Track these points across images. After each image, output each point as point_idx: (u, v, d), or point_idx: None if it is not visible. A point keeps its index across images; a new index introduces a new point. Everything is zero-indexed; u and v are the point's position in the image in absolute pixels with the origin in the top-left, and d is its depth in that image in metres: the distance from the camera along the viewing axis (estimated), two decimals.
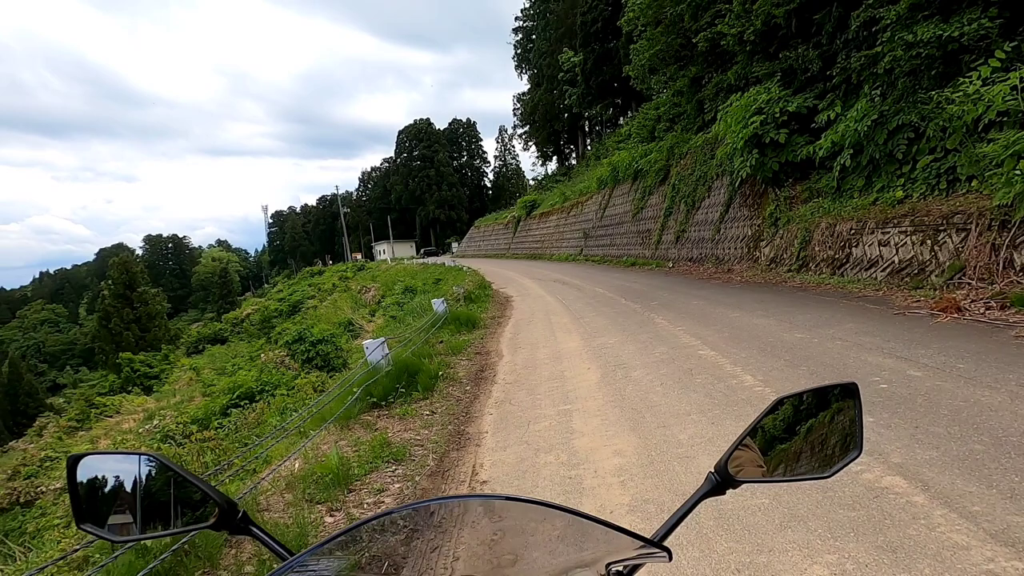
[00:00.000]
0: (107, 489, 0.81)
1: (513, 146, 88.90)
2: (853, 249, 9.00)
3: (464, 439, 4.28)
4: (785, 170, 12.21)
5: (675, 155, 19.51)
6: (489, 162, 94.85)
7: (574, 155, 59.97)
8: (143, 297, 54.89)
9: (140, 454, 0.83)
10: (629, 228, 22.84)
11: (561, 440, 3.91)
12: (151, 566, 2.25)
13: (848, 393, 0.86)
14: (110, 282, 54.94)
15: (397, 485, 3.48)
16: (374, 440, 4.13)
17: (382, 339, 5.99)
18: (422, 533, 0.69)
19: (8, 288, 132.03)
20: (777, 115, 11.95)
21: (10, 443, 34.54)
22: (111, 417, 36.48)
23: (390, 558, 0.72)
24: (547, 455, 3.67)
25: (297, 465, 3.95)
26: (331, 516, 3.10)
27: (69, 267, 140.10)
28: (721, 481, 0.79)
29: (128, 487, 0.80)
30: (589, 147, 52.68)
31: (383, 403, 5.16)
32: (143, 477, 0.81)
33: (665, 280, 13.92)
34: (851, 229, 9.12)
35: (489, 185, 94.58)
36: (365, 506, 3.20)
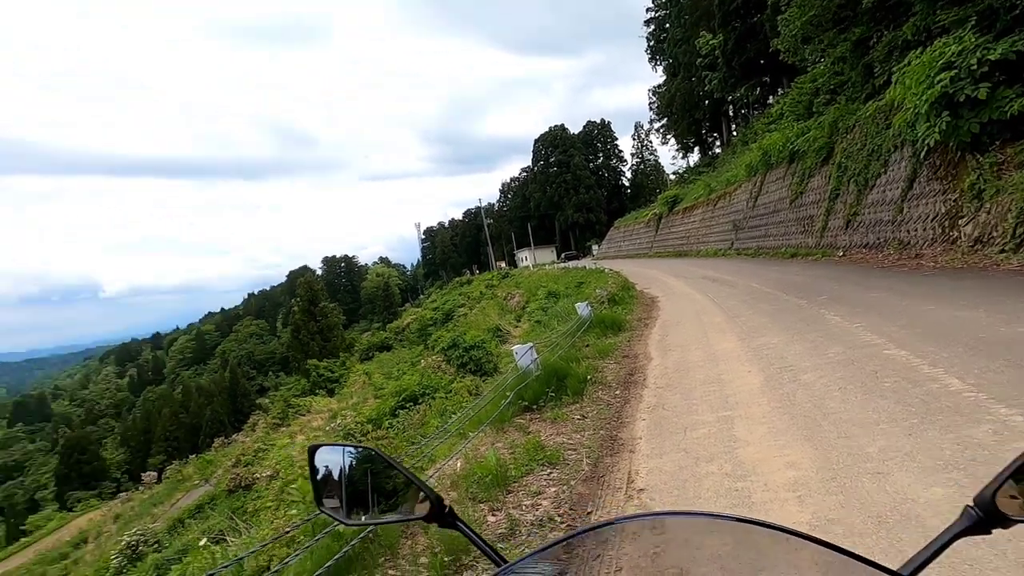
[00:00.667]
0: (339, 477, 0.91)
1: (650, 142, 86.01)
2: None
3: (617, 444, 4.21)
4: (988, 131, 10.16)
5: (839, 130, 17.33)
6: (626, 160, 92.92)
7: (718, 143, 56.21)
8: (324, 311, 62.86)
9: (366, 448, 0.93)
10: (787, 216, 20.77)
11: (723, 449, 3.65)
12: (344, 550, 2.54)
13: None
14: (298, 299, 63.94)
15: (553, 488, 3.53)
16: (528, 443, 4.24)
17: (530, 344, 6.15)
18: (628, 550, 0.66)
19: (228, 308, 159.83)
20: (974, 67, 10.01)
21: (233, 436, 41.73)
22: (303, 415, 42.25)
23: (598, 571, 0.73)
24: (708, 464, 3.46)
25: (459, 465, 4.20)
26: (493, 515, 3.24)
27: (268, 288, 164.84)
28: (984, 518, 0.61)
29: (356, 476, 0.90)
30: (735, 133, 49.00)
31: (534, 407, 5.29)
32: (368, 468, 0.91)
33: (834, 271, 12.37)
34: None
35: (627, 184, 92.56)
36: (523, 507, 3.29)
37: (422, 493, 0.84)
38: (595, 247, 69.76)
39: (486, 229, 75.72)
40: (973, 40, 10.31)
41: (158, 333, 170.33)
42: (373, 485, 0.89)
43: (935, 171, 11.64)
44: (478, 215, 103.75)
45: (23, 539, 47.51)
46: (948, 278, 8.30)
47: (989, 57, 9.87)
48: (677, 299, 13.25)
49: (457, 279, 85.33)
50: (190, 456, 41.93)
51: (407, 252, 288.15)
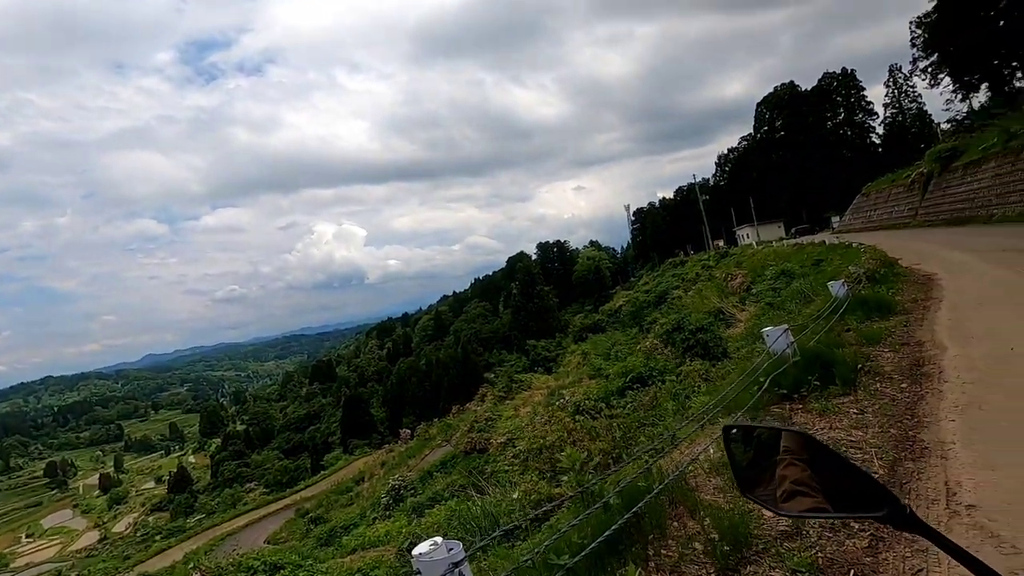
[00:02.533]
0: (761, 460, 0.85)
1: (912, 87, 70.33)
2: None
3: (919, 448, 3.48)
4: None
5: None
6: (876, 114, 77.46)
7: (1020, 76, 43.26)
8: (540, 294, 66.69)
9: (797, 432, 0.84)
10: None
11: None
12: (617, 523, 2.56)
13: None
14: (517, 283, 68.91)
15: None
16: None
17: (784, 326, 5.49)
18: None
19: (458, 291, 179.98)
20: None
21: (466, 405, 47.19)
22: (525, 391, 45.62)
23: None
24: None
25: (712, 451, 3.96)
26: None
27: (490, 273, 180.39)
28: None
29: (782, 460, 0.82)
30: None
31: (794, 396, 4.70)
32: (797, 453, 0.82)
33: None
34: None
35: (879, 142, 77.38)
36: None
37: (873, 488, 0.74)
38: (835, 219, 60.28)
39: (700, 205, 71.20)
40: None
41: (406, 313, 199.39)
42: (808, 473, 0.79)
43: None
44: (691, 192, 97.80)
45: (323, 471, 61.01)
46: None
47: None
48: (967, 277, 10.59)
49: (669, 260, 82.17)
50: (434, 419, 48.67)
51: (616, 235, 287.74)
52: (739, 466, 0.84)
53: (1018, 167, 23.89)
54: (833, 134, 77.13)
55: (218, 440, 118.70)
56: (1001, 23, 39.40)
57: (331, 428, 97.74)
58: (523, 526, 4.74)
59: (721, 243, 71.20)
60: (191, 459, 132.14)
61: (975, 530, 2.43)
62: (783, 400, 4.69)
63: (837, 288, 8.51)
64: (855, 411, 4.23)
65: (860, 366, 5.19)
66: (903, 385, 4.66)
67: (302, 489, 53.57)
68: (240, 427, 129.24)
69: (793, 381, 4.76)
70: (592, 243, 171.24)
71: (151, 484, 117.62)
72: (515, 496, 5.50)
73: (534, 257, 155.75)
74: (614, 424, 6.68)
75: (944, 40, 44.09)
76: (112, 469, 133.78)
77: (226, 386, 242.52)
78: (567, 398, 10.63)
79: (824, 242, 30.12)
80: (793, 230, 67.63)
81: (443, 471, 26.98)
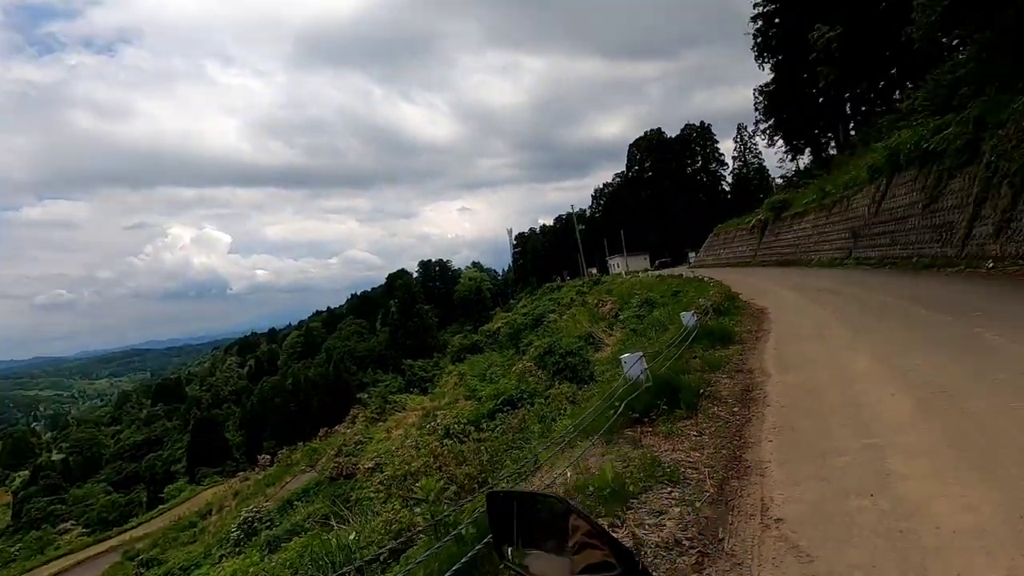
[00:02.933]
0: (519, 524, 0.85)
1: (755, 144, 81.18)
2: None
3: (743, 467, 3.89)
4: None
5: (988, 125, 15.30)
6: (727, 165, 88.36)
7: (832, 145, 51.85)
8: (420, 313, 65.66)
9: (552, 496, 0.86)
10: (918, 223, 18.65)
11: (875, 482, 3.24)
12: (467, 556, 2.51)
13: None
14: (396, 300, 67.30)
15: (676, 509, 3.30)
16: (643, 457, 4.04)
17: (639, 353, 5.91)
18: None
19: (333, 307, 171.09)
20: None
21: (335, 427, 44.54)
22: (400, 412, 44.14)
23: None
24: (859, 499, 3.07)
25: (569, 474, 4.09)
26: (614, 532, 3.09)
27: (369, 289, 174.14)
28: None
29: (539, 525, 0.84)
30: (852, 133, 44.99)
31: (644, 419, 5.04)
32: (551, 517, 0.83)
33: (984, 285, 10.87)
34: None
35: (727, 189, 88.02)
36: (646, 526, 3.11)
37: (613, 548, 0.78)
38: (692, 255, 66.90)
39: (577, 235, 75.24)
40: None
41: (273, 328, 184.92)
42: (558, 535, 0.82)
43: None
44: (569, 221, 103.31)
45: (160, 506, 53.76)
46: None
47: None
48: (791, 311, 12.28)
49: (547, 285, 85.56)
50: (298, 443, 45.29)
51: (498, 257, 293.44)
52: (496, 528, 0.86)
53: (830, 220, 28.48)
54: (692, 179, 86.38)
55: (26, 472, 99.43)
56: (820, 100, 47.20)
57: (175, 455, 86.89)
58: (380, 559, 4.51)
59: (594, 271, 75.67)
60: None
61: (781, 542, 2.75)
62: (635, 423, 5.01)
63: (688, 318, 9.39)
64: (695, 433, 4.64)
65: (702, 391, 5.74)
66: (735, 409, 5.22)
67: (134, 527, 46.63)
68: (57, 456, 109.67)
69: (645, 406, 5.11)
70: (475, 264, 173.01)
71: None
72: (373, 527, 5.24)
73: (415, 275, 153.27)
74: (482, 447, 6.67)
75: (778, 109, 51.85)
76: None
77: (41, 408, 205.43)
78: (438, 421, 10.49)
79: (681, 275, 33.28)
80: (656, 262, 73.92)
81: (305, 500, 25.09)
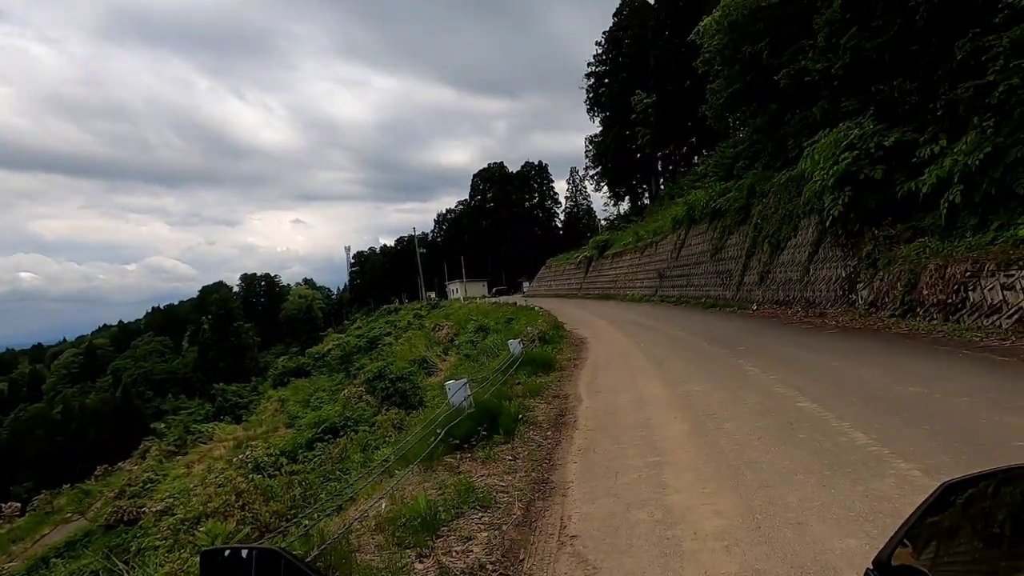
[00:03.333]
0: None
1: (584, 187, 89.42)
2: (970, 293, 8.16)
3: (549, 488, 4.17)
4: (883, 208, 11.42)
5: (756, 193, 18.84)
6: (560, 203, 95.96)
7: (647, 195, 59.47)
8: (238, 331, 59.22)
9: (269, 549, 0.84)
10: (707, 268, 22.10)
11: (653, 495, 3.71)
12: None
13: None
14: (210, 316, 59.88)
15: (484, 534, 3.41)
16: (459, 484, 4.11)
17: (464, 380, 6.04)
18: None
19: (127, 321, 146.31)
20: (872, 150, 11.29)
21: (118, 464, 37.56)
22: (205, 444, 38.86)
23: None
24: (639, 511, 3.49)
25: (384, 505, 3.99)
26: (420, 562, 3.08)
27: (176, 303, 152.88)
28: None
29: None
30: (662, 187, 52.12)
31: (465, 445, 5.15)
32: (273, 572, 0.80)
33: (750, 323, 13.23)
34: (966, 271, 8.30)
35: (560, 225, 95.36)
36: (454, 554, 3.15)
37: None
38: (526, 284, 70.77)
39: (418, 258, 75.02)
40: (871, 126, 11.68)
41: (40, 344, 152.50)
42: None
43: (837, 239, 12.88)
44: (411, 243, 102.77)
45: None
46: (850, 338, 9.08)
47: (885, 143, 11.18)
48: (605, 342, 13.60)
49: (385, 307, 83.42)
50: (64, 485, 37.24)
51: (334, 275, 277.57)
52: None
53: (642, 261, 32.44)
54: (529, 213, 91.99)
55: None
56: (638, 156, 53.98)
57: None
58: None
59: (433, 295, 75.85)
60: None
61: (573, 557, 3.01)
62: (455, 450, 5.10)
63: (515, 346, 9.88)
64: (510, 458, 4.87)
65: (521, 416, 6.05)
66: (548, 433, 5.61)
67: None
68: None
69: (466, 432, 5.23)
70: (306, 281, 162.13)
71: None
72: None
73: (236, 289, 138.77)
74: (295, 481, 6.19)
75: (604, 159, 58.12)
76: None
77: None
78: (248, 453, 9.49)
79: (515, 303, 34.94)
80: (494, 290, 76.80)
81: (69, 555, 20.61)
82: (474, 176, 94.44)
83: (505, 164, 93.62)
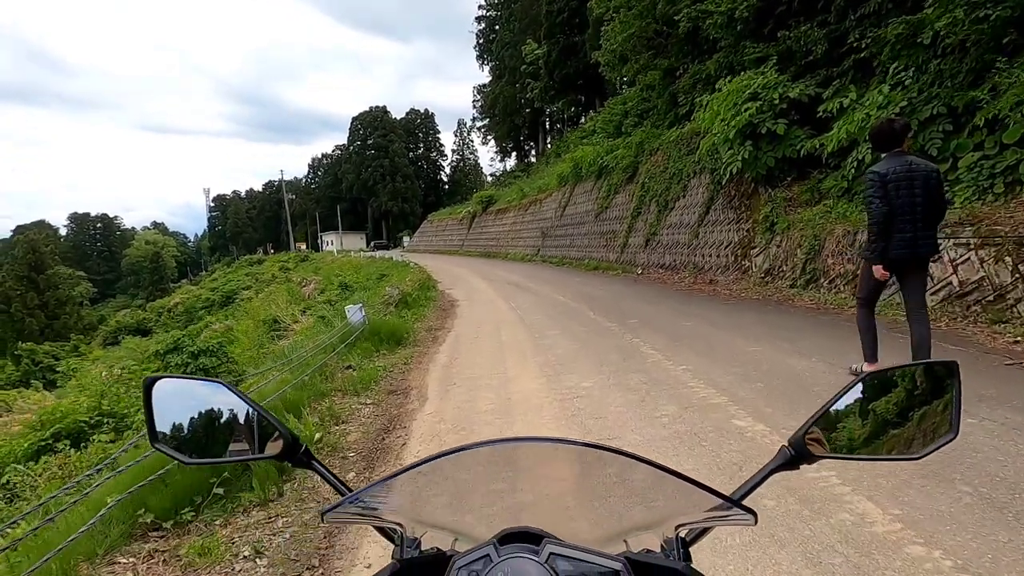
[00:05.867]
0: (180, 412, 0.84)
1: (472, 140, 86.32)
2: None
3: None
4: (781, 167, 10.47)
5: (644, 151, 17.72)
6: (447, 156, 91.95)
7: (534, 152, 58.15)
8: (52, 281, 49.20)
9: (215, 381, 0.86)
10: (592, 229, 20.97)
11: None
12: None
13: (947, 372, 0.74)
14: (13, 262, 48.84)
15: None
16: None
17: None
18: (477, 477, 0.70)
19: None
20: (776, 102, 10.17)
21: None
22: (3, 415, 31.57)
23: (449, 498, 0.72)
24: None
25: None
26: None
27: None
28: (795, 455, 0.74)
29: (200, 412, 0.83)
30: (550, 144, 50.90)
31: (178, 520, 2.78)
32: (215, 404, 0.84)
33: (637, 289, 11.96)
34: None
35: (446, 180, 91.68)
36: None
37: (276, 432, 0.80)
38: (407, 239, 67.14)
39: (286, 205, 67.88)
40: (775, 77, 10.56)
41: None
42: (220, 422, 0.83)
43: (730, 200, 11.89)
44: (280, 189, 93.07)
45: None
46: (751, 310, 7.89)
47: (789, 95, 10.10)
48: (479, 305, 11.65)
49: (248, 257, 75.05)
50: None
51: (194, 221, 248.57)
52: (152, 418, 0.83)
53: (526, 219, 30.89)
54: (413, 164, 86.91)
55: None
56: (527, 110, 51.97)
57: None
58: None
59: (304, 246, 69.41)
60: None
61: None
62: (154, 531, 2.72)
63: (354, 314, 7.47)
64: (248, 552, 2.60)
65: (320, 438, 3.81)
66: (352, 475, 3.41)
67: None
68: None
69: (185, 491, 2.86)
70: (156, 225, 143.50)
71: None
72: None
73: (63, 231, 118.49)
74: None
75: (492, 110, 55.39)
76: None
77: None
78: None
79: (392, 259, 31.91)
80: (372, 244, 72.07)
81: None
82: (353, 119, 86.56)
83: (388, 110, 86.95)
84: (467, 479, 0.69)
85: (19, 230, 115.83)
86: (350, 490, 0.73)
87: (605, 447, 0.60)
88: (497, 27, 56.64)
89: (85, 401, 7.11)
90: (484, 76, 59.53)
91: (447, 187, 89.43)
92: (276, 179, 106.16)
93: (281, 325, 20.93)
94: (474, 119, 65.37)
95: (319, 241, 79.91)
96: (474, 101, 62.50)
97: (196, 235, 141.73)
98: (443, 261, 34.00)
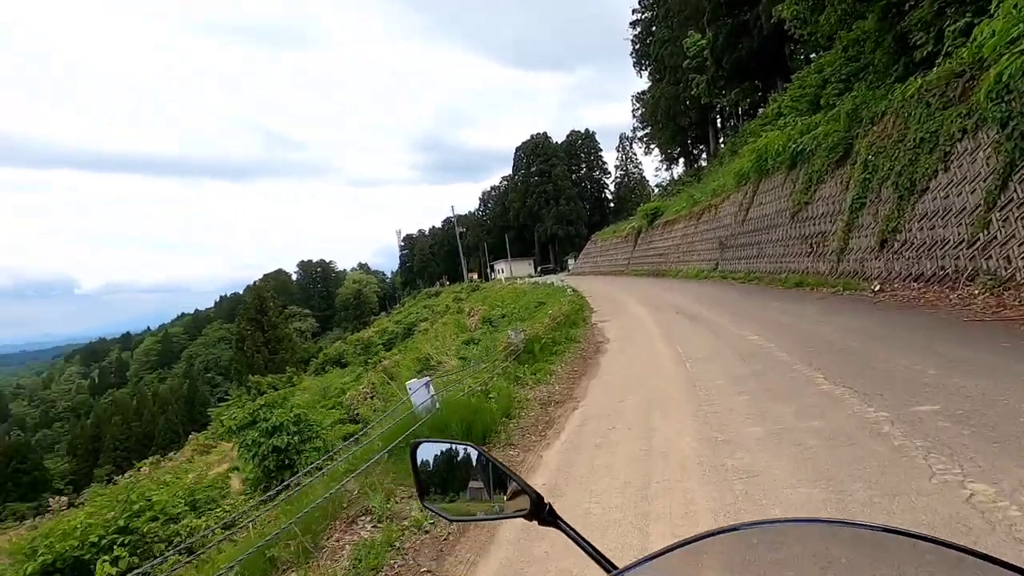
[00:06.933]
0: (439, 472, 0.96)
1: (634, 154, 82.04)
2: None
3: None
4: None
5: (862, 121, 12.89)
6: (610, 173, 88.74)
7: (704, 155, 52.23)
8: (273, 321, 57.19)
9: (466, 444, 0.95)
10: (787, 233, 16.25)
11: None
12: None
13: None
14: (244, 307, 58.20)
15: None
16: None
17: None
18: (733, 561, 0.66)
19: (202, 310, 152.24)
20: None
21: (169, 454, 35.73)
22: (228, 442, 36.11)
23: None
24: None
25: None
26: None
27: (240, 291, 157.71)
28: None
29: (455, 471, 0.94)
30: (722, 144, 44.89)
31: None
32: (467, 463, 0.94)
33: (888, 320, 7.67)
34: None
35: (610, 198, 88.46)
36: None
37: (523, 491, 0.84)
38: (571, 261, 65.29)
39: (458, 238, 70.97)
40: None
41: (128, 333, 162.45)
42: (475, 481, 0.93)
43: None
44: (459, 224, 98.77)
45: None
46: None
47: None
48: (632, 350, 8.52)
49: (426, 290, 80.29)
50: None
51: (390, 259, 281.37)
52: (419, 478, 0.96)
53: (699, 229, 26.41)
54: (576, 185, 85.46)
55: None
56: (693, 109, 46.70)
57: None
58: None
59: (475, 276, 71.83)
60: None
61: None
62: None
63: (416, 390, 4.97)
64: None
65: None
66: None
67: None
68: None
69: None
70: (361, 266, 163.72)
71: None
72: None
73: (294, 276, 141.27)
74: None
75: (654, 116, 50.99)
76: None
77: None
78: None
79: (552, 283, 29.88)
80: (539, 269, 71.79)
81: None
82: (517, 149, 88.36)
83: (549, 135, 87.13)
84: (737, 560, 0.63)
85: (265, 278, 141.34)
86: (612, 565, 0.71)
87: (894, 529, 0.56)
88: (654, 28, 52.58)
89: (179, 490, 5.76)
90: (642, 83, 55.59)
91: (612, 205, 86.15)
92: (453, 215, 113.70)
93: (433, 364, 19.95)
94: (634, 129, 61.40)
95: (488, 270, 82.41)
96: (633, 111, 58.75)
97: (391, 272, 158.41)
98: (605, 283, 30.94)
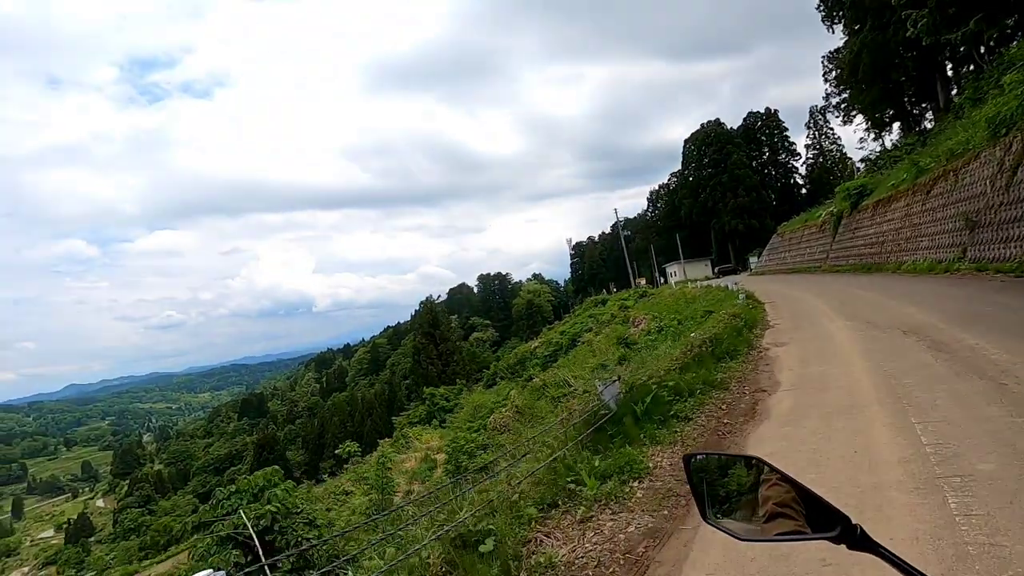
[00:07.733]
0: (721, 487, 0.89)
1: (830, 129, 69.42)
2: None
3: None
4: None
5: None
6: (799, 155, 76.26)
7: (929, 113, 41.20)
8: (444, 335, 59.84)
9: (750, 456, 0.88)
10: None
11: None
12: None
13: None
14: (418, 322, 62.02)
15: None
16: None
17: None
18: None
19: (403, 322, 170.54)
20: None
21: (367, 456, 39.09)
22: (405, 452, 37.76)
23: None
24: None
25: None
26: None
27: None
28: None
29: (741, 487, 0.87)
30: (956, 94, 34.46)
31: None
32: (753, 478, 0.86)
33: None
34: None
35: (801, 183, 76.19)
36: None
37: (824, 511, 0.77)
38: (753, 260, 57.04)
39: (622, 241, 67.19)
40: None
41: (348, 344, 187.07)
42: (761, 497, 0.85)
43: None
44: (625, 227, 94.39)
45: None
46: None
47: None
48: (814, 417, 5.03)
49: (592, 297, 77.50)
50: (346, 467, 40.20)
51: (563, 268, 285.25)
52: (699, 493, 0.90)
53: (929, 207, 19.65)
54: (758, 173, 75.36)
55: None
56: (909, 58, 36.88)
57: (247, 471, 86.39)
58: None
59: (643, 281, 67.13)
60: (99, 503, 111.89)
61: None
62: None
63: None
64: None
65: None
66: None
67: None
68: (158, 467, 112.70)
69: None
70: (535, 276, 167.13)
71: (50, 532, 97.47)
72: None
73: (476, 290, 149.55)
74: None
75: (855, 76, 41.44)
76: (9, 515, 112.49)
77: (154, 419, 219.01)
78: None
79: (727, 286, 25.25)
80: (716, 270, 64.46)
81: None
82: (685, 142, 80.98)
83: (723, 122, 78.42)
84: None
85: (451, 292, 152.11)
86: None
87: None
88: None
89: None
90: (835, 41, 45.71)
91: (805, 190, 74.04)
92: (622, 219, 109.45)
93: (570, 389, 17.48)
94: (827, 97, 51.10)
95: (659, 273, 76.62)
96: (825, 74, 48.94)
97: (564, 280, 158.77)
98: (792, 284, 25.12)
